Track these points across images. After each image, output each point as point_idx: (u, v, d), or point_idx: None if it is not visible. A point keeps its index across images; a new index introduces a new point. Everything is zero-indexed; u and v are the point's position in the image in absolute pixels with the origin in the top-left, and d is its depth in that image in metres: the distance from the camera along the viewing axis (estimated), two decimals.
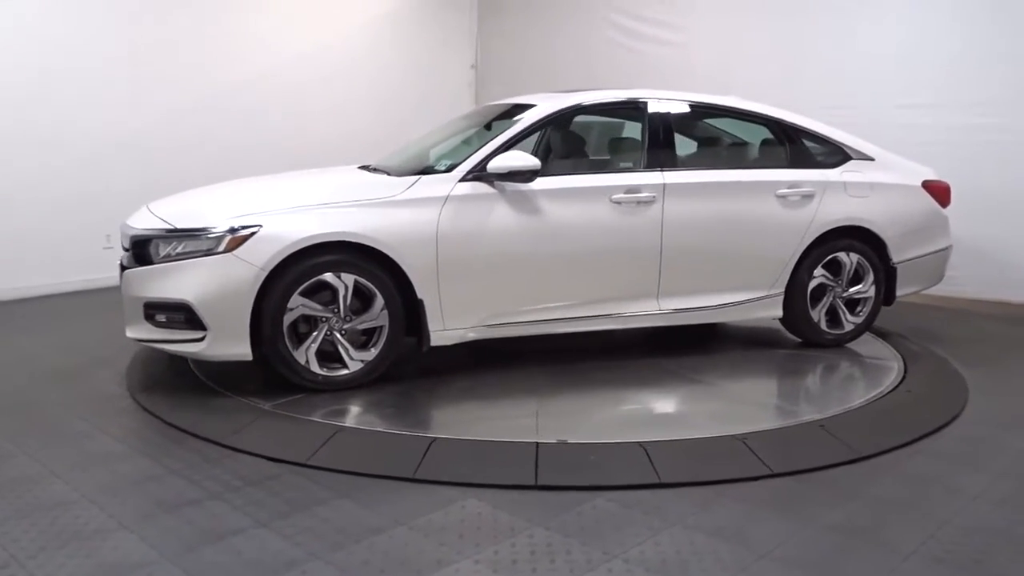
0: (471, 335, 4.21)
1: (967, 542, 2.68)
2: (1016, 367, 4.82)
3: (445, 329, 4.12)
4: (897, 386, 4.25)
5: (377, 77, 8.79)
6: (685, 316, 4.58)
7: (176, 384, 4.18)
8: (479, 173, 4.12)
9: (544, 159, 4.51)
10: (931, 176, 5.15)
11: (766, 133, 4.99)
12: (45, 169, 6.38)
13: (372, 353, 4.02)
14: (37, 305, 6.20)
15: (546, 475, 3.10)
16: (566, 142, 4.97)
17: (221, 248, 3.75)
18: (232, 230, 3.77)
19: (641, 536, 2.69)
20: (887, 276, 4.97)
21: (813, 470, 3.22)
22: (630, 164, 4.67)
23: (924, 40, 6.52)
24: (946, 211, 5.15)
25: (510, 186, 4.14)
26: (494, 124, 4.82)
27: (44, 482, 3.06)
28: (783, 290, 4.74)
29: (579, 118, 4.88)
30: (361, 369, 4.02)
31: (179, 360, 4.50)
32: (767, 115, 4.93)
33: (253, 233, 3.77)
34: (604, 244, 4.32)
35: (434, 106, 8.79)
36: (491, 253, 4.12)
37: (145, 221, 4.07)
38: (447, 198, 4.05)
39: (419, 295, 4.00)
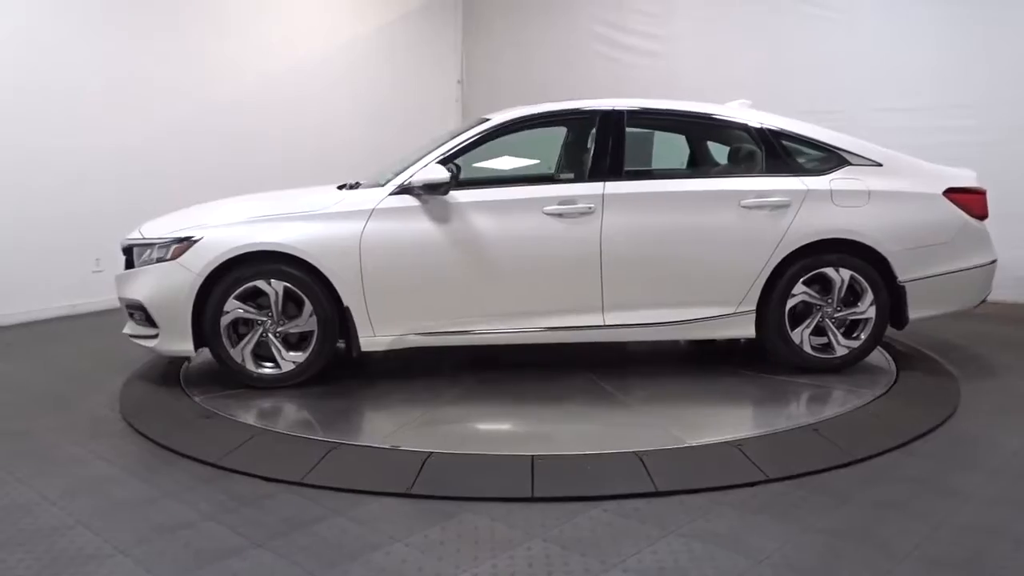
0: (404, 342, 4.33)
1: (962, 542, 2.69)
2: (1006, 366, 4.85)
3: (375, 336, 4.30)
4: (889, 388, 4.26)
5: (364, 94, 8.84)
6: (637, 332, 4.42)
7: (169, 406, 4.17)
8: (407, 186, 4.27)
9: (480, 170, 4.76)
10: (962, 183, 4.55)
11: (741, 139, 4.84)
12: (31, 192, 6.36)
13: (303, 355, 4.29)
14: (25, 331, 6.18)
15: (542, 487, 3.10)
16: (515, 154, 5.01)
17: (168, 256, 4.25)
18: (178, 240, 4.26)
19: (639, 545, 2.69)
20: (894, 296, 4.47)
21: (808, 474, 3.23)
22: (571, 175, 4.69)
23: (903, 44, 6.62)
24: (983, 223, 4.54)
25: (438, 199, 4.26)
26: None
27: (38, 509, 3.04)
28: (754, 308, 4.40)
29: (540, 130, 4.84)
30: (293, 370, 4.31)
31: (172, 382, 4.54)
32: (740, 121, 4.66)
33: (195, 243, 4.21)
34: (538, 256, 4.28)
35: (422, 121, 8.85)
36: (417, 264, 4.25)
37: (134, 233, 4.53)
38: (373, 210, 4.25)
39: (345, 302, 4.24)
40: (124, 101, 6.85)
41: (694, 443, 3.49)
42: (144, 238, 4.41)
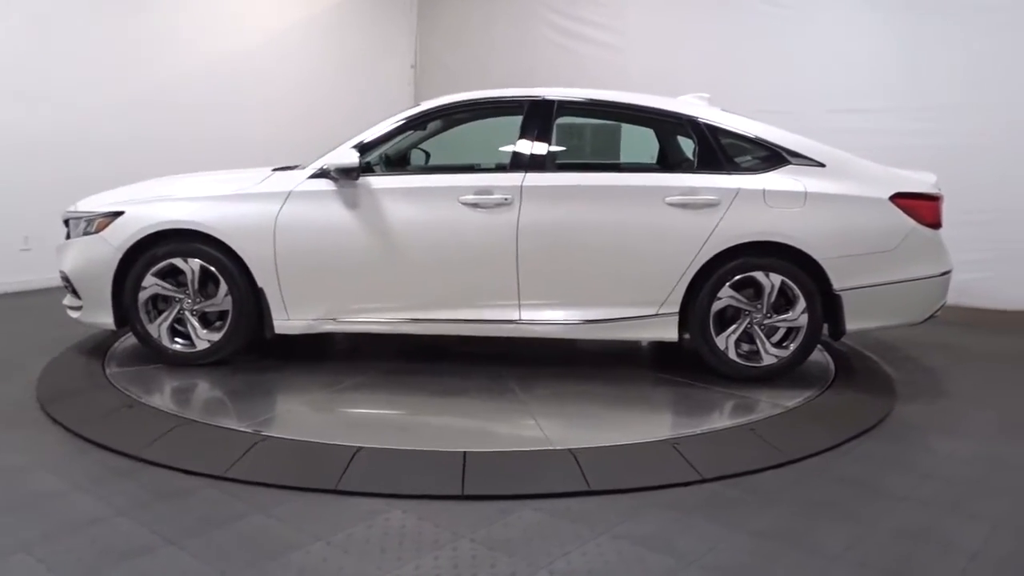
0: (320, 327, 4.31)
1: (892, 546, 2.68)
2: (943, 368, 4.91)
3: (289, 319, 4.29)
4: (826, 388, 4.27)
5: (316, 75, 8.65)
6: (554, 329, 4.28)
7: (89, 393, 3.99)
8: (324, 170, 4.24)
9: (402, 159, 4.78)
10: (913, 188, 4.24)
11: (676, 134, 4.75)
12: None
13: (219, 335, 4.30)
14: None
15: (474, 484, 3.02)
16: (442, 141, 4.94)
17: (93, 229, 4.32)
18: (103, 214, 4.33)
19: (568, 546, 2.62)
20: (830, 305, 4.21)
21: (743, 474, 3.20)
22: (492, 165, 4.61)
23: (860, 46, 6.64)
24: (935, 231, 4.23)
25: (353, 184, 4.22)
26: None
27: None
28: (676, 310, 4.23)
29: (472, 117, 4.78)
30: (208, 348, 4.33)
31: (95, 367, 4.37)
32: (677, 114, 4.44)
33: (116, 218, 4.28)
34: (452, 247, 4.20)
35: (375, 105, 8.61)
36: (331, 248, 4.22)
37: (73, 206, 4.55)
38: (290, 193, 4.23)
39: (259, 284, 4.24)
40: (58, 80, 6.57)
41: (630, 441, 3.44)
42: (78, 211, 4.47)
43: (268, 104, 8.13)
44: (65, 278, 4.46)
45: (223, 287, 4.25)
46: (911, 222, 4.18)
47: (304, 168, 4.35)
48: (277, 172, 4.45)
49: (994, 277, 6.10)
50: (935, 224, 4.25)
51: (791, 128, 4.48)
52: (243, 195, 4.27)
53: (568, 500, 2.95)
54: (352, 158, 4.18)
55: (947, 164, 5.50)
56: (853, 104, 6.56)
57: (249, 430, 3.50)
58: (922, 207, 4.22)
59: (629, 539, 2.68)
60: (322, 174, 4.25)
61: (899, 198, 4.19)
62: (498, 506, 2.90)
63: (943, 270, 4.28)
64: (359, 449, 3.26)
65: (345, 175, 4.20)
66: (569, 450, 3.30)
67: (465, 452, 3.25)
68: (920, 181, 4.34)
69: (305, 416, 3.84)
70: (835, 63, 6.70)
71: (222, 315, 4.32)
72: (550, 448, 3.35)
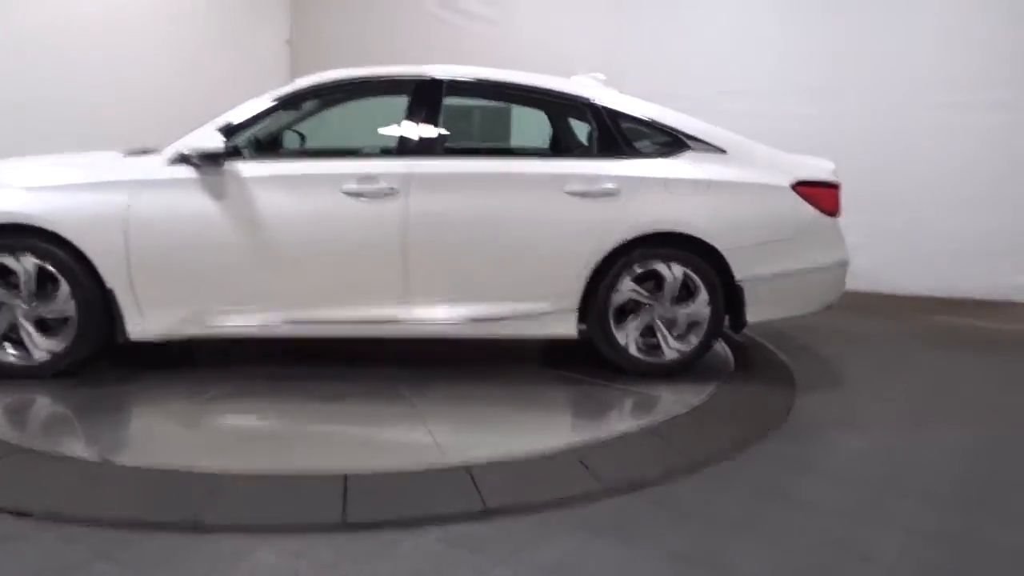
0: (181, 332, 3.87)
1: (810, 560, 2.51)
2: (837, 356, 4.88)
3: (145, 323, 3.81)
4: (728, 382, 4.13)
5: (175, 49, 7.90)
6: (445, 328, 3.95)
7: None
8: (184, 155, 3.76)
9: (275, 142, 4.33)
10: (814, 176, 4.14)
11: (574, 117, 4.49)
12: None
13: (60, 344, 3.77)
14: None
15: (356, 512, 2.68)
16: (320, 123, 4.57)
17: None
18: None
19: None
20: (732, 296, 4.08)
21: (651, 485, 2.98)
22: (377, 150, 4.27)
23: (751, 27, 6.58)
24: (834, 219, 4.16)
25: (219, 171, 3.76)
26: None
27: None
28: (576, 306, 3.98)
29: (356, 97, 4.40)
30: (48, 360, 3.78)
31: None
32: (575, 96, 4.19)
33: None
34: (333, 241, 3.81)
35: (244, 83, 7.98)
36: (193, 244, 3.76)
37: None
38: (145, 181, 3.75)
39: (108, 284, 3.73)
40: None
41: (529, 451, 3.17)
42: None
43: (121, 80, 7.36)
44: None
45: (64, 288, 3.70)
46: (812, 210, 4.08)
47: (161, 153, 3.85)
48: (130, 157, 3.94)
49: (877, 261, 6.17)
50: (834, 212, 4.17)
51: (688, 110, 4.30)
52: (89, 184, 3.74)
53: (464, 525, 2.65)
54: (216, 141, 3.72)
55: (828, 147, 5.41)
56: (741, 86, 6.50)
57: (95, 458, 3.02)
58: (823, 195, 4.12)
59: (536, 567, 2.41)
60: (182, 159, 3.76)
61: (801, 186, 4.08)
62: (385, 536, 2.57)
63: (841, 260, 4.22)
64: (224, 474, 2.86)
65: (208, 161, 3.73)
66: (464, 466, 2.99)
67: (347, 474, 2.89)
68: (820, 168, 4.24)
69: (162, 436, 3.38)
70: (726, 43, 6.63)
71: (65, 320, 3.76)
72: (443, 464, 3.03)
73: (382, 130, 4.22)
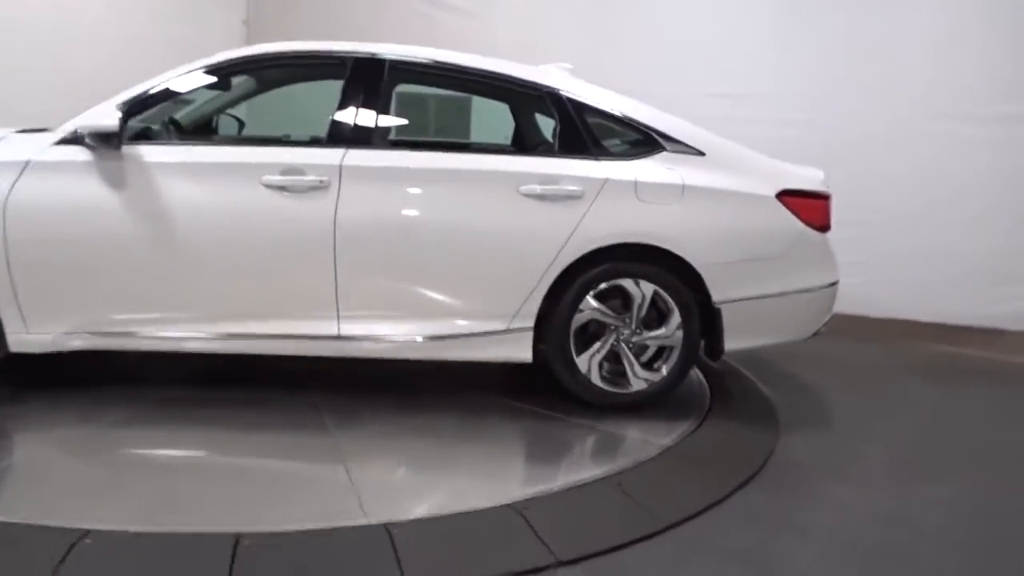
0: (70, 343, 3.32)
1: None
2: (821, 387, 4.47)
3: (28, 333, 3.28)
4: (701, 422, 3.63)
5: (115, 25, 7.27)
6: (382, 348, 3.44)
7: None
8: (76, 134, 3.24)
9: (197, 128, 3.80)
10: (801, 185, 3.66)
11: (535, 108, 4.06)
12: None
13: None
14: None
15: None
16: (248, 107, 4.11)
17: None
18: None
19: None
20: (708, 320, 3.58)
21: (608, 551, 2.49)
22: (306, 138, 3.79)
23: (732, 29, 6.15)
24: (824, 235, 3.69)
25: (115, 154, 3.22)
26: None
27: None
28: (531, 325, 3.48)
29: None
30: None
31: None
32: (537, 85, 3.68)
33: None
34: (250, 240, 3.31)
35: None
36: (85, 239, 3.25)
37: None
38: (28, 163, 3.21)
39: None
40: None
41: (466, 507, 2.66)
42: None
43: (61, 57, 6.73)
44: None
45: None
46: (799, 224, 3.60)
47: (52, 131, 3.30)
48: (19, 135, 3.39)
49: (871, 282, 5.72)
50: (824, 227, 3.68)
51: (669, 111, 3.81)
52: None
53: None
54: (112, 119, 3.15)
55: (821, 157, 4.81)
56: (729, 89, 6.05)
57: None
58: (811, 207, 3.64)
59: None
60: (74, 139, 3.24)
61: (787, 196, 3.59)
62: None
63: (831, 280, 3.74)
64: (85, 534, 2.31)
65: (103, 142, 3.19)
66: (384, 525, 2.48)
67: (239, 533, 2.37)
68: (808, 177, 3.76)
69: (29, 478, 2.81)
70: (717, 41, 6.18)
71: None
72: (358, 522, 2.51)
73: (313, 116, 3.69)
